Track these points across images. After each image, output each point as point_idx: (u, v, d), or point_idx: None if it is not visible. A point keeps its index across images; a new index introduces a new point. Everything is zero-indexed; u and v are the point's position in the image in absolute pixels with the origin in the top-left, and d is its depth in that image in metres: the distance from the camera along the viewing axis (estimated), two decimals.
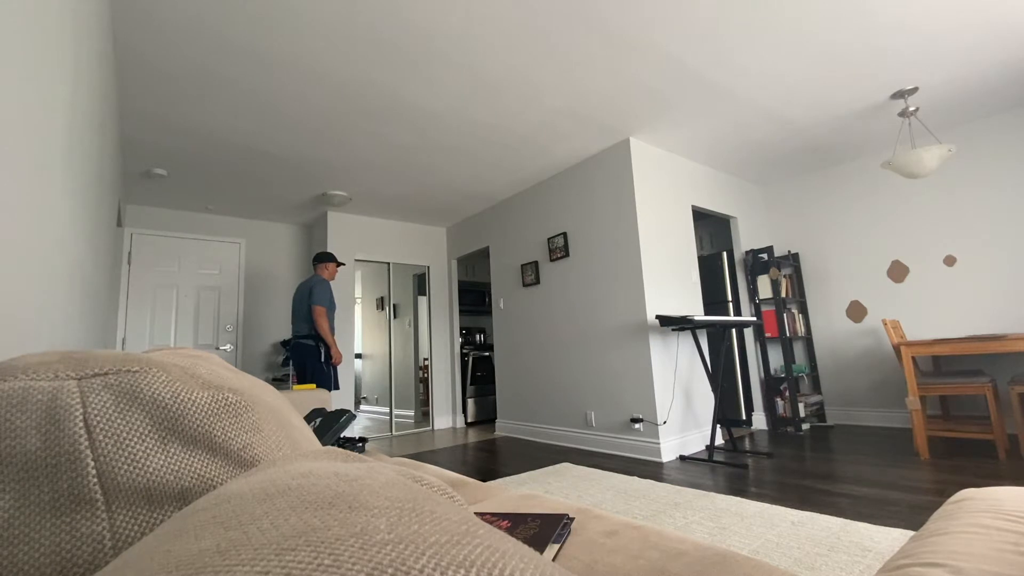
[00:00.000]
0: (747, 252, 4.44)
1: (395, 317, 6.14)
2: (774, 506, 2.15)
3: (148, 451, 0.41)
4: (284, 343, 4.95)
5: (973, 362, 3.56)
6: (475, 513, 0.71)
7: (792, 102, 3.22)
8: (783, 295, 4.21)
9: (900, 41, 2.61)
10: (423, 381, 5.87)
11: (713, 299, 4.44)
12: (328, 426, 1.69)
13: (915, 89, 3.10)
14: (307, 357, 3.60)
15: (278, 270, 5.27)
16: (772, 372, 4.22)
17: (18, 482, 0.36)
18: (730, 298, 4.39)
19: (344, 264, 4.18)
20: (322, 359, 3.60)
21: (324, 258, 3.90)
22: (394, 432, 5.28)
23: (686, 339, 3.69)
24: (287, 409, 0.66)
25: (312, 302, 3.56)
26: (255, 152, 3.58)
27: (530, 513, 0.88)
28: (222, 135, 3.29)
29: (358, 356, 6.59)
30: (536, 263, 4.41)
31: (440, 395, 5.51)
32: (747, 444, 3.61)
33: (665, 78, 2.85)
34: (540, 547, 0.73)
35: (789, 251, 4.64)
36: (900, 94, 3.15)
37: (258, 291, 5.10)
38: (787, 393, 4.05)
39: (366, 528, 0.23)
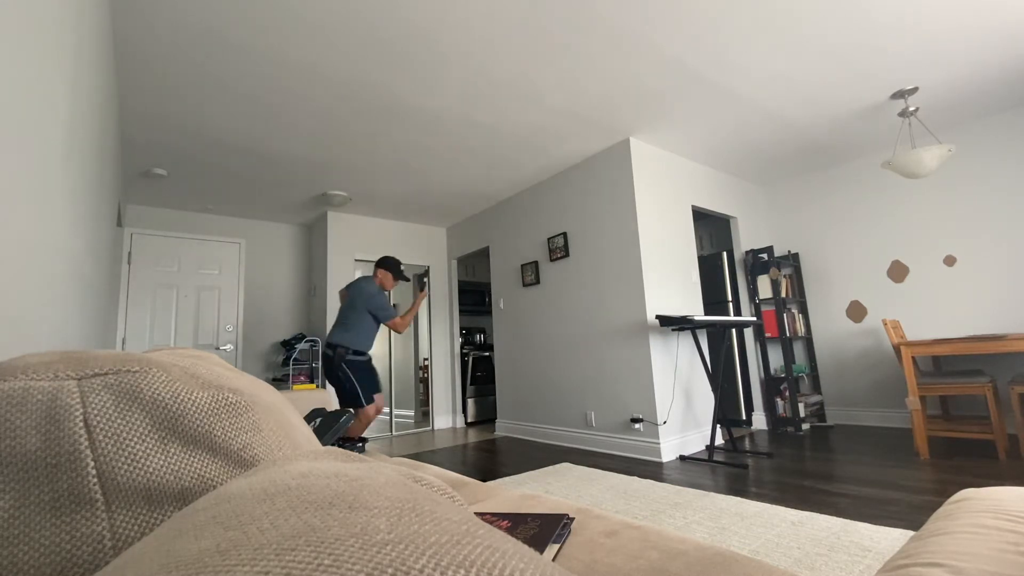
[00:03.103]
0: (747, 252, 4.44)
1: None
2: (774, 506, 2.15)
3: (148, 451, 0.41)
4: (284, 343, 4.95)
5: (973, 362, 3.56)
6: (475, 513, 0.71)
7: (792, 102, 3.22)
8: (783, 295, 4.21)
9: (900, 41, 2.61)
10: (423, 381, 5.87)
11: (713, 299, 4.44)
12: (328, 426, 1.70)
13: (915, 89, 3.10)
14: (331, 366, 3.21)
15: (278, 270, 5.27)
16: (772, 372, 4.22)
17: (18, 482, 0.36)
18: (730, 298, 4.38)
19: (408, 280, 3.58)
20: (337, 366, 3.18)
21: (384, 264, 3.40)
22: (394, 432, 5.28)
23: (686, 339, 3.69)
24: (287, 409, 0.66)
25: (383, 319, 3.27)
26: (255, 152, 3.58)
27: (530, 513, 0.88)
28: (222, 135, 3.29)
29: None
30: (536, 263, 4.41)
31: (440, 395, 5.51)
32: (747, 444, 3.61)
33: (665, 78, 2.85)
34: (540, 547, 0.73)
35: (789, 251, 4.64)
36: (900, 94, 3.15)
37: (258, 291, 5.10)
38: (787, 393, 4.05)
39: (366, 528, 0.23)
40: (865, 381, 4.11)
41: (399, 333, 3.15)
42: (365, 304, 3.24)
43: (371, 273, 3.44)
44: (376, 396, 3.26)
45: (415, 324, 5.93)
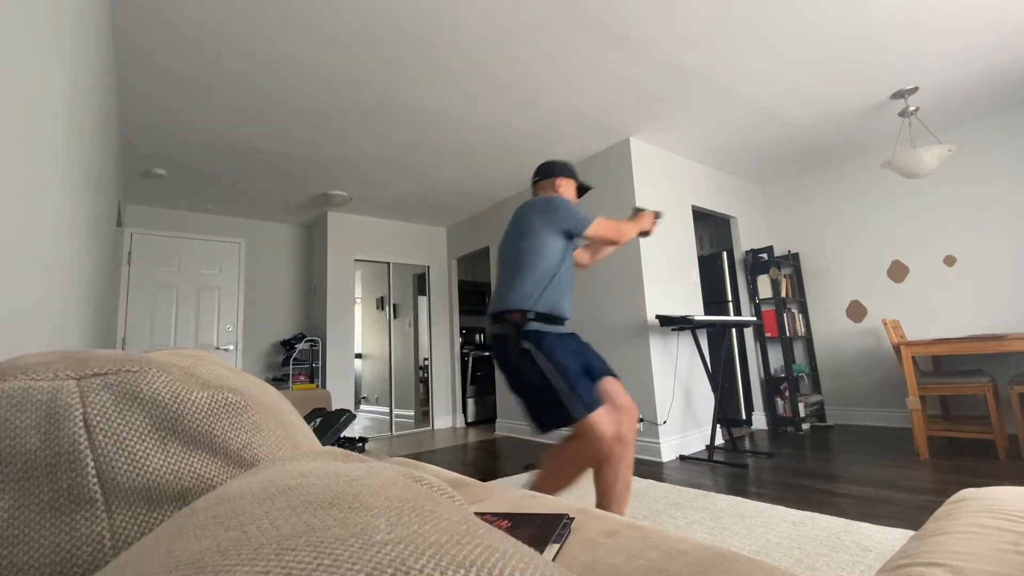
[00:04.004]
0: (747, 252, 4.44)
1: (395, 317, 6.14)
2: (774, 506, 2.15)
3: (148, 451, 0.41)
4: (284, 343, 4.95)
5: (973, 362, 3.56)
6: (475, 513, 0.71)
7: (792, 102, 3.22)
8: (783, 295, 4.21)
9: (900, 41, 2.61)
10: (423, 381, 5.87)
11: (713, 299, 4.44)
12: (328, 426, 1.70)
13: (915, 89, 3.10)
14: (504, 353, 1.74)
15: (278, 270, 5.27)
16: (772, 372, 4.22)
17: (18, 482, 0.36)
18: (730, 298, 4.38)
19: (591, 188, 2.07)
20: (513, 354, 1.69)
21: (557, 170, 1.93)
22: (394, 432, 5.28)
23: (686, 339, 3.69)
24: (287, 409, 0.66)
25: (578, 230, 1.75)
26: (255, 152, 3.58)
27: (530, 513, 0.88)
28: (222, 135, 3.29)
29: (358, 356, 6.59)
30: None
31: (440, 395, 5.51)
32: (747, 444, 3.61)
33: (665, 78, 2.85)
34: (540, 547, 0.73)
35: (789, 251, 4.64)
36: (900, 94, 3.15)
37: (258, 291, 5.10)
38: (787, 393, 4.05)
39: (366, 528, 0.23)
40: (865, 381, 4.10)
41: (647, 235, 1.87)
42: (543, 219, 1.74)
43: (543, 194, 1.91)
44: (607, 385, 1.71)
45: (415, 324, 5.91)
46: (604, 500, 1.63)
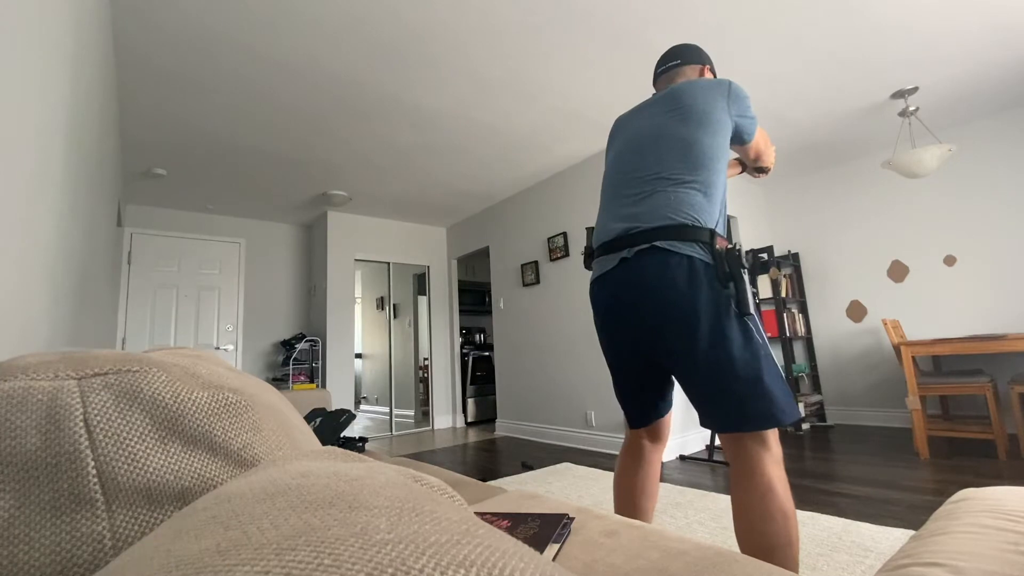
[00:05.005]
0: (747, 252, 4.44)
1: (395, 317, 6.14)
2: None
3: (148, 451, 0.41)
4: (284, 343, 4.95)
5: (973, 362, 3.55)
6: (475, 513, 0.71)
7: (792, 102, 3.22)
8: (783, 295, 4.21)
9: (900, 41, 2.61)
10: (423, 381, 5.87)
11: None
12: (328, 426, 1.70)
13: (915, 89, 3.10)
14: (691, 297, 1.09)
15: (278, 270, 5.27)
16: None
17: (18, 482, 0.36)
18: None
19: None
20: (738, 301, 1.08)
21: (702, 57, 1.40)
22: (394, 432, 5.28)
23: None
24: (287, 409, 0.66)
25: (751, 133, 1.26)
26: (255, 152, 3.58)
27: (530, 513, 0.88)
28: (222, 135, 3.29)
29: (358, 356, 6.59)
30: (536, 263, 4.41)
31: (440, 395, 5.51)
32: None
33: None
34: (540, 547, 0.73)
35: (789, 251, 4.64)
36: (900, 94, 3.15)
37: (258, 291, 5.10)
38: None
39: (366, 528, 0.23)
40: (865, 381, 4.10)
41: (766, 172, 1.47)
42: (727, 105, 1.21)
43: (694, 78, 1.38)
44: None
45: (415, 324, 5.91)
46: (775, 550, 1.07)
